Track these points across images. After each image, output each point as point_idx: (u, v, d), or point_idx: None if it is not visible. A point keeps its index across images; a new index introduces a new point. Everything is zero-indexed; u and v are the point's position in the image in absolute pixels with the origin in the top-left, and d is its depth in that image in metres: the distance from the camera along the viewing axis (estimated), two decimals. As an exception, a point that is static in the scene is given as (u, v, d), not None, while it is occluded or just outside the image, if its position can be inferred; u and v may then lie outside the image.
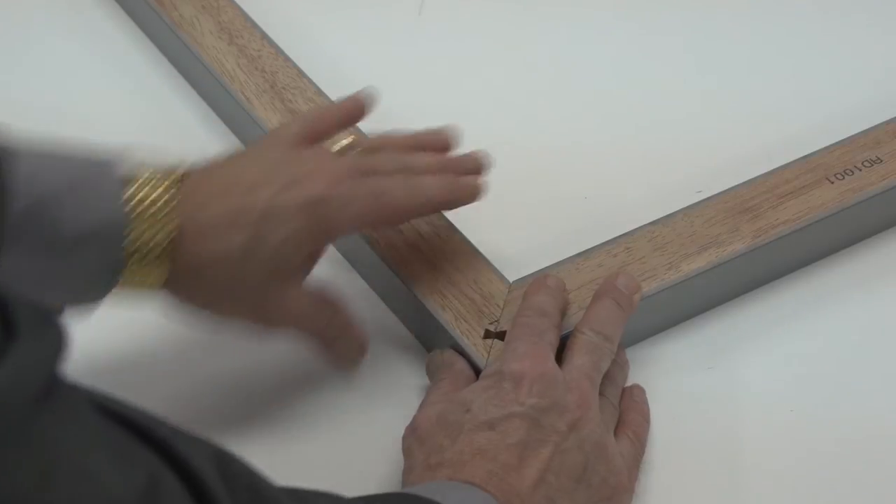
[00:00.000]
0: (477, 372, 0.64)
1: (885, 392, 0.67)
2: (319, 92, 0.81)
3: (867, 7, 0.95)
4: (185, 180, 0.59)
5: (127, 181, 0.57)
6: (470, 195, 0.67)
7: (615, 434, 0.62)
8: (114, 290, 0.58)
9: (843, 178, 0.74)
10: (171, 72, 0.89)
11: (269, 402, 0.67)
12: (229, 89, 0.82)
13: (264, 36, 0.86)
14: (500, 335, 0.65)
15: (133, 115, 0.86)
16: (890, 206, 0.75)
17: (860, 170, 0.74)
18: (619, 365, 0.66)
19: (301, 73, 0.82)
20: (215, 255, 0.58)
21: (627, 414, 0.64)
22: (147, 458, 0.39)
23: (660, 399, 0.66)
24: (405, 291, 0.69)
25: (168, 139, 0.84)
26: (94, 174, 0.57)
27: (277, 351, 0.67)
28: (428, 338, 0.68)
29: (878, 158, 0.75)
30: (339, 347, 0.65)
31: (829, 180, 0.74)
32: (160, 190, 0.57)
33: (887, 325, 0.71)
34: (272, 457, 0.63)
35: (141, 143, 0.83)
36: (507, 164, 0.81)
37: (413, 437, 0.60)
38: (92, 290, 0.58)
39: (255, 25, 0.86)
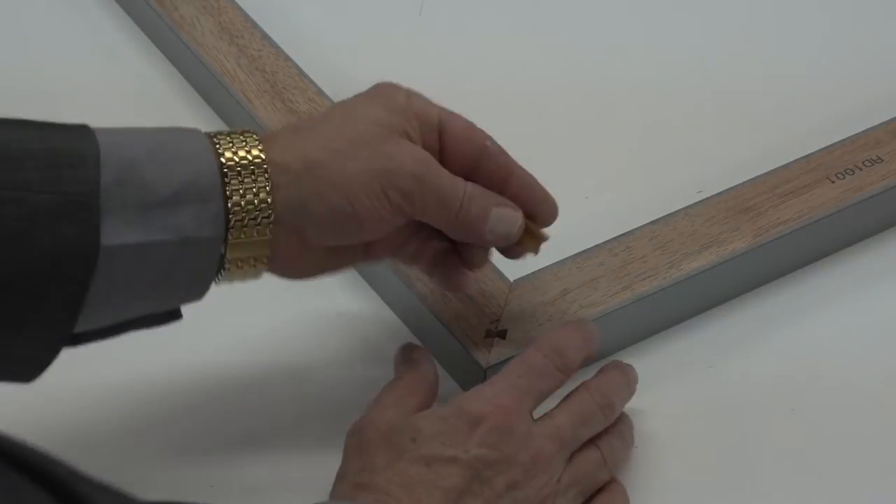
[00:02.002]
0: (473, 372, 0.64)
1: (885, 392, 0.67)
2: (320, 92, 0.81)
3: (867, 7, 0.95)
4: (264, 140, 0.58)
5: (203, 134, 0.56)
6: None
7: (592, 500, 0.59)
8: (227, 264, 0.56)
9: (844, 177, 0.74)
10: (172, 72, 0.89)
11: (265, 400, 0.67)
12: (230, 89, 0.82)
13: (265, 36, 0.86)
14: (502, 334, 0.65)
15: (133, 115, 0.86)
16: (890, 206, 0.75)
17: (860, 169, 0.74)
18: (622, 439, 0.62)
19: (301, 73, 0.82)
20: (316, 135, 0.57)
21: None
22: (42, 500, 0.39)
23: (660, 399, 0.66)
24: (405, 290, 0.69)
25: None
26: (173, 138, 0.55)
27: (277, 352, 0.68)
28: (428, 337, 0.68)
29: (879, 158, 0.75)
30: (488, 224, 0.61)
31: (829, 180, 0.74)
32: (245, 143, 0.56)
33: (887, 325, 0.71)
34: (266, 456, 0.64)
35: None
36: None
37: (355, 439, 0.58)
38: (199, 260, 0.55)
39: (255, 26, 0.86)
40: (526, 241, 0.63)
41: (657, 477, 0.62)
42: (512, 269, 0.69)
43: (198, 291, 0.57)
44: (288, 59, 0.84)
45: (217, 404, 0.67)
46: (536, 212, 0.63)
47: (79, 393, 0.65)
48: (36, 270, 0.51)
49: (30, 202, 0.50)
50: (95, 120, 0.84)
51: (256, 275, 0.58)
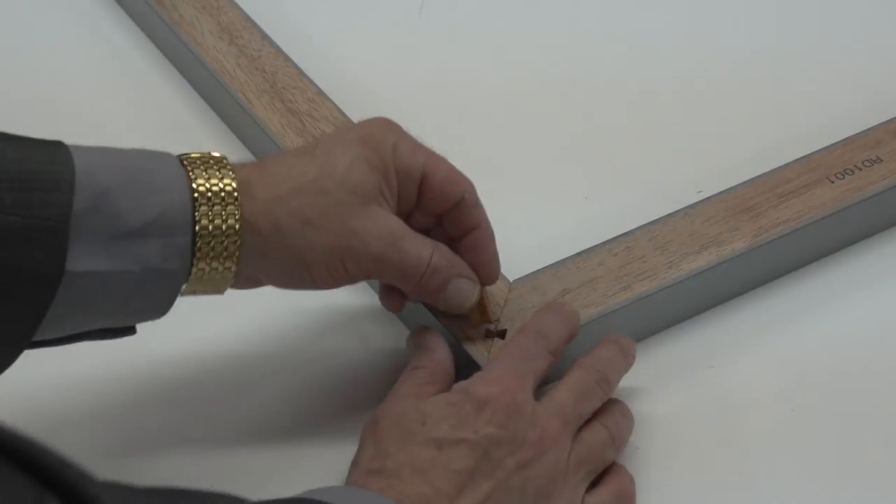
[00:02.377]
0: (473, 372, 0.64)
1: (885, 392, 0.67)
2: (320, 92, 0.81)
3: (867, 7, 0.94)
4: (238, 166, 0.58)
5: (181, 167, 0.57)
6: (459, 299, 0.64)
7: (600, 484, 0.60)
8: (182, 290, 0.57)
9: (844, 177, 0.74)
10: (172, 72, 0.89)
11: (265, 402, 0.67)
12: (229, 89, 0.82)
13: (264, 36, 0.86)
14: (501, 334, 0.65)
15: (133, 115, 0.86)
16: (890, 206, 0.75)
17: (860, 169, 0.74)
18: (625, 416, 0.63)
19: (301, 73, 0.82)
20: (290, 188, 0.58)
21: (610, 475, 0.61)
22: (31, 486, 0.39)
23: (660, 399, 0.66)
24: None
25: (168, 139, 0.84)
26: (150, 164, 0.56)
27: (276, 350, 0.68)
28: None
29: (878, 158, 0.75)
30: (446, 293, 0.63)
31: (829, 180, 0.74)
32: (219, 172, 0.57)
33: (887, 325, 0.71)
34: (268, 456, 0.64)
35: (140, 143, 0.83)
36: (507, 163, 0.81)
37: (371, 428, 0.59)
38: (161, 290, 0.56)
39: (255, 25, 0.86)
40: (473, 314, 0.65)
41: (657, 477, 0.62)
42: (512, 269, 0.69)
43: (157, 313, 0.58)
44: (287, 58, 0.84)
45: (215, 402, 0.67)
46: (481, 268, 0.64)
47: (73, 386, 0.66)
48: None
49: (0, 224, 0.51)
50: (95, 120, 0.85)
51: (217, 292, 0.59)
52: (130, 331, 0.58)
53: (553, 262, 0.69)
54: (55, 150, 0.54)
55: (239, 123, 0.83)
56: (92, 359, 0.61)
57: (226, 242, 0.56)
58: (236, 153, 0.82)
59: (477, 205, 0.63)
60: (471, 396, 0.57)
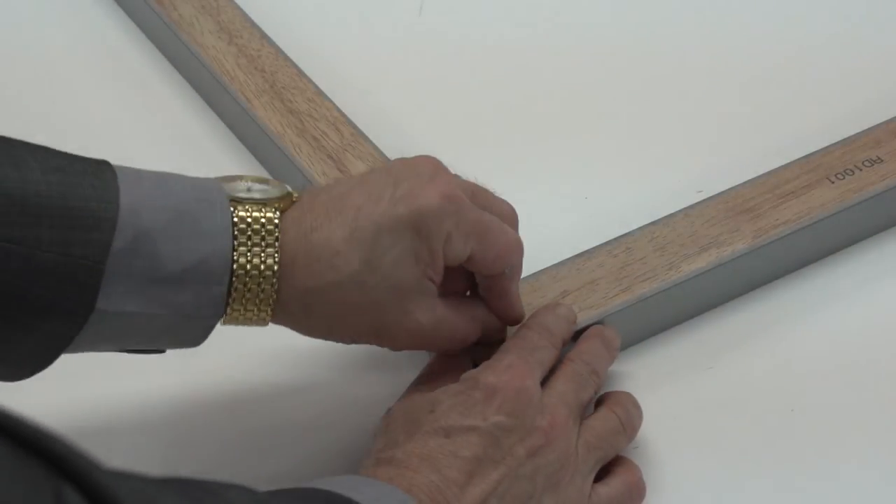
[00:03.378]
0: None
1: (885, 392, 0.67)
2: (319, 92, 0.81)
3: (867, 7, 0.94)
4: (290, 206, 0.57)
5: (229, 211, 0.55)
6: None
7: (610, 474, 0.61)
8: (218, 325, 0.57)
9: (844, 178, 0.74)
10: (171, 71, 0.89)
11: (265, 397, 0.67)
12: (229, 89, 0.82)
13: (264, 36, 0.85)
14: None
15: (132, 115, 0.86)
16: (890, 206, 0.75)
17: (860, 170, 0.74)
18: (636, 405, 0.63)
19: (301, 73, 0.82)
20: (329, 281, 0.56)
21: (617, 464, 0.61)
22: (47, 475, 0.38)
23: (660, 399, 0.66)
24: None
25: (167, 139, 0.84)
26: (196, 206, 0.55)
27: (277, 352, 0.67)
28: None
29: (878, 158, 0.75)
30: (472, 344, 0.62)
31: (829, 180, 0.74)
32: (264, 219, 0.55)
33: (887, 325, 0.71)
34: (266, 453, 0.64)
35: (140, 143, 0.83)
36: (507, 163, 0.81)
37: (385, 420, 0.59)
38: (193, 330, 0.56)
39: (254, 25, 0.86)
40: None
41: (657, 477, 0.62)
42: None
43: (189, 345, 0.57)
44: (287, 58, 0.84)
45: (215, 402, 0.67)
46: (504, 316, 0.63)
47: (74, 388, 0.65)
48: (25, 320, 0.52)
49: (37, 260, 0.51)
50: (94, 119, 0.85)
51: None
52: (159, 351, 0.58)
53: (553, 263, 0.69)
54: (102, 181, 0.53)
55: (238, 123, 0.83)
56: (93, 361, 0.61)
57: (261, 296, 0.56)
58: (236, 153, 0.83)
59: (513, 279, 0.62)
60: (480, 384, 0.57)
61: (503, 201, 0.63)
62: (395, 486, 0.53)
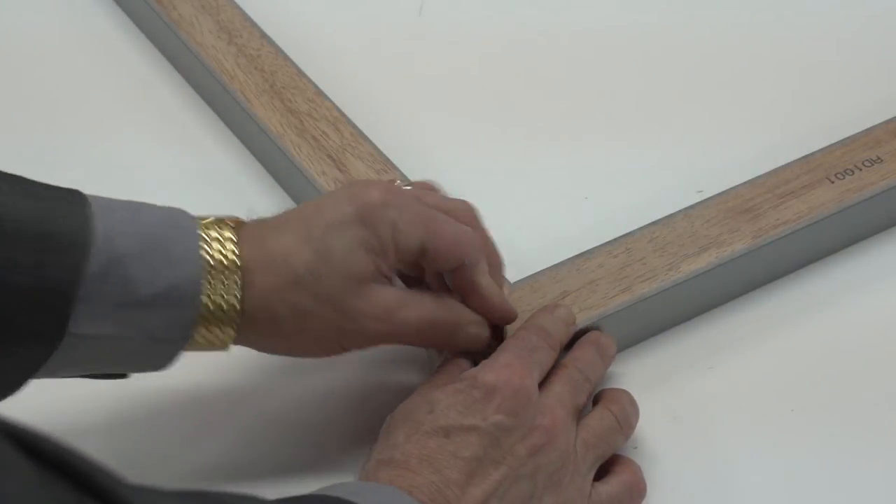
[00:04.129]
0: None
1: (885, 392, 0.67)
2: (319, 92, 0.81)
3: (867, 7, 0.94)
4: (243, 227, 0.58)
5: (198, 237, 0.56)
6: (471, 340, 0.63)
7: (609, 473, 0.61)
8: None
9: (844, 177, 0.74)
10: (170, 71, 0.89)
11: (265, 397, 0.67)
12: (228, 89, 0.82)
13: (263, 35, 0.85)
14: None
15: (131, 115, 0.86)
16: (890, 206, 0.75)
17: (860, 170, 0.74)
18: (633, 405, 0.63)
19: (301, 73, 0.82)
20: (287, 280, 0.57)
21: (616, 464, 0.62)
22: (71, 491, 0.39)
23: (660, 399, 0.66)
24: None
25: (166, 139, 0.84)
26: (170, 233, 0.56)
27: (282, 357, 0.68)
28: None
29: (878, 158, 0.75)
30: (456, 339, 0.62)
31: (829, 180, 0.74)
32: (228, 245, 0.56)
33: (887, 326, 0.71)
34: (265, 454, 0.64)
35: (139, 143, 0.83)
36: (506, 163, 0.81)
37: (388, 422, 0.59)
38: (160, 353, 0.57)
39: (254, 25, 0.86)
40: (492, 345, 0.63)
41: (657, 477, 0.62)
42: (511, 271, 0.68)
43: (156, 369, 0.58)
44: (287, 58, 0.84)
45: (215, 402, 0.67)
46: (490, 316, 0.63)
47: (75, 392, 0.65)
48: None
49: (10, 283, 0.51)
50: (93, 119, 0.85)
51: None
52: (123, 375, 0.59)
53: (553, 263, 0.69)
54: (76, 208, 0.54)
55: (238, 123, 0.83)
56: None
57: (226, 316, 0.56)
58: (235, 153, 0.83)
59: (474, 267, 0.62)
60: (478, 383, 0.58)
61: (456, 199, 0.64)
62: (397, 488, 0.53)
